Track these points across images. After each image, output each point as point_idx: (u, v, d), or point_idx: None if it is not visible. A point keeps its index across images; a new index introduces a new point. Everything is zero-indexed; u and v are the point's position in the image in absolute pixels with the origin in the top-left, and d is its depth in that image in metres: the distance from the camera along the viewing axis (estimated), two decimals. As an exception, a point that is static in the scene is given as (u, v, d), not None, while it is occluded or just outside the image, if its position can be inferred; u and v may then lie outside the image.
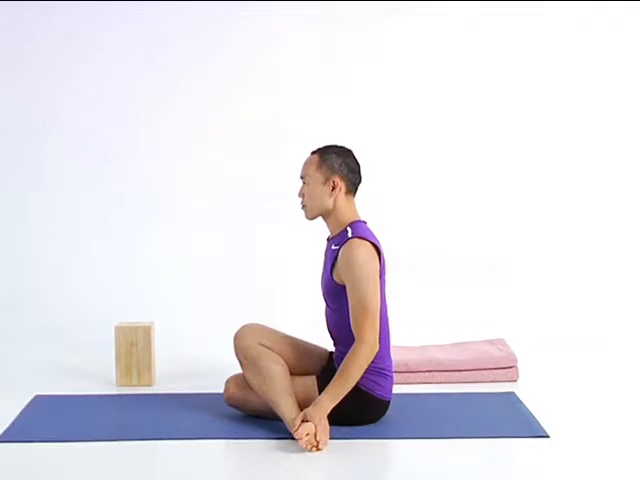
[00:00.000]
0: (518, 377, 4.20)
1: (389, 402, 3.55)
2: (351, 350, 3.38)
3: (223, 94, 5.53)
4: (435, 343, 4.51)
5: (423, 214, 5.50)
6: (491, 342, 4.43)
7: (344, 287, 3.45)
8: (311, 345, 3.71)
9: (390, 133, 5.53)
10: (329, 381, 3.40)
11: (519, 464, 3.24)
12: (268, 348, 3.56)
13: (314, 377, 3.55)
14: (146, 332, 4.13)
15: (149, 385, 4.10)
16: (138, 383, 4.10)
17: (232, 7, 5.47)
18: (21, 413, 3.69)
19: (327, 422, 3.33)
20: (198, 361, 4.46)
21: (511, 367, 4.21)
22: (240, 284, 5.33)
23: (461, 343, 4.48)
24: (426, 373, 4.16)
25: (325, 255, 3.61)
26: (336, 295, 3.51)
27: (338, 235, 3.52)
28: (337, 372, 3.38)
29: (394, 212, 5.40)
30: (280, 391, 3.45)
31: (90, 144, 5.53)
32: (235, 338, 3.61)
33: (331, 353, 3.69)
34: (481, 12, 5.50)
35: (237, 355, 3.59)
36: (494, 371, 4.19)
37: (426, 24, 5.53)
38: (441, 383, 4.16)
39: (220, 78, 5.54)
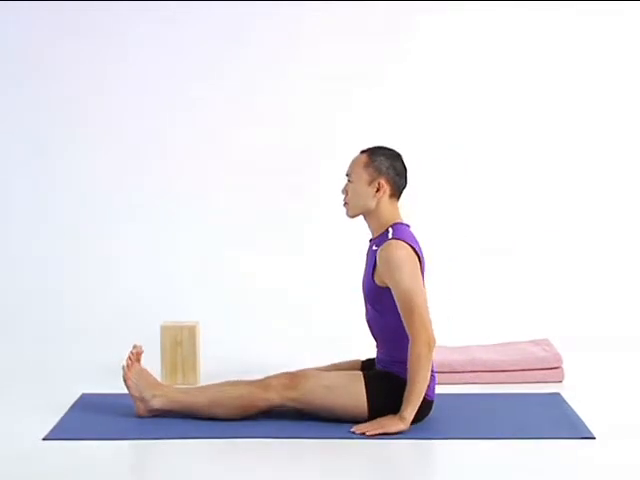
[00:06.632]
0: (564, 378, 4.17)
1: (432, 402, 3.53)
2: (409, 355, 3.37)
3: (256, 89, 5.53)
4: (478, 343, 4.49)
5: (463, 210, 5.45)
6: (535, 342, 4.40)
7: (385, 289, 3.45)
8: (343, 364, 3.73)
9: (412, 133, 5.46)
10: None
11: (564, 466, 3.21)
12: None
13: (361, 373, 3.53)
14: (191, 332, 4.16)
15: (194, 384, 4.11)
16: (183, 382, 4.12)
17: (265, 6, 5.47)
18: (68, 412, 3.73)
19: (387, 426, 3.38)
20: (242, 360, 4.47)
21: (556, 368, 4.18)
22: (284, 284, 5.33)
23: (505, 343, 4.45)
24: (470, 373, 4.14)
25: (367, 256, 3.60)
26: (377, 297, 3.50)
27: (379, 236, 3.52)
28: (407, 385, 3.38)
29: (433, 209, 5.36)
30: None
31: (125, 142, 5.54)
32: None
33: (363, 362, 3.70)
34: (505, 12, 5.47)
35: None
36: (539, 372, 4.16)
37: (466, 21, 5.50)
38: (485, 383, 4.14)
39: (252, 74, 5.56)
